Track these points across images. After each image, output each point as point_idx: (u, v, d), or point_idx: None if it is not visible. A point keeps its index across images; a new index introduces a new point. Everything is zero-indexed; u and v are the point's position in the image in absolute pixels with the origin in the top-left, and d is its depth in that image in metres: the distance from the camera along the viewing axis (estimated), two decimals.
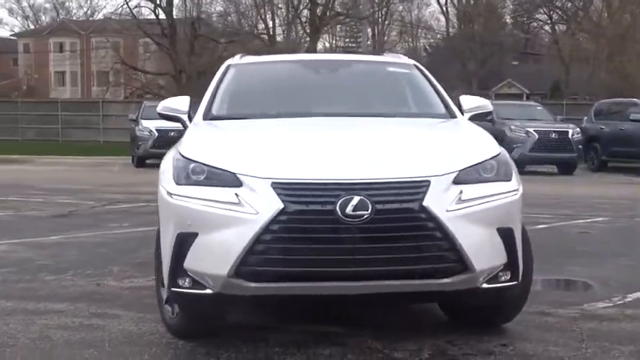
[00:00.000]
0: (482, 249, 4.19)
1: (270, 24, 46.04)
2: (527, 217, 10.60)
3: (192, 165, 4.31)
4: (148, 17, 38.22)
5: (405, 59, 6.31)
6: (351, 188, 4.03)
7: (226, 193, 4.12)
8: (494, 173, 4.42)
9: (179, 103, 5.52)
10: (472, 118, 5.65)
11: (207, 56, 36.98)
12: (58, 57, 58.29)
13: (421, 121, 5.25)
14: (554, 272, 6.86)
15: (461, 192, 4.20)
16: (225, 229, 4.05)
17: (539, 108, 22.77)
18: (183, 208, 4.21)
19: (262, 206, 4.01)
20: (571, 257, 7.58)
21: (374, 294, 4.19)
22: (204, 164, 4.28)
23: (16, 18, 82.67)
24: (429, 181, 4.13)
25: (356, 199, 3.98)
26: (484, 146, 4.59)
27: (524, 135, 19.76)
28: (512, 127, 19.90)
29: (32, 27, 67.50)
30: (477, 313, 4.83)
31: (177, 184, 4.29)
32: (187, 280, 4.24)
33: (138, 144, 21.59)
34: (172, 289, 4.30)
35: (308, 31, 40.85)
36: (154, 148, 20.66)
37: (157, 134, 20.84)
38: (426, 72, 5.90)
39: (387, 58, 6.48)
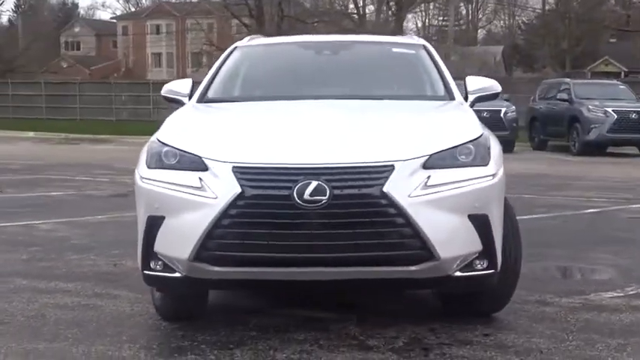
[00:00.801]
0: (448, 236, 4.07)
1: (361, 3, 45.83)
2: (578, 201, 10.42)
3: (165, 149, 4.34)
4: None
5: (414, 40, 6.17)
6: (310, 173, 3.97)
7: (191, 177, 4.13)
8: (471, 158, 4.28)
9: (181, 86, 5.55)
10: (479, 100, 5.50)
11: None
12: (154, 39, 59.70)
13: (411, 103, 5.13)
14: (576, 259, 6.66)
15: (429, 177, 4.09)
16: (188, 213, 4.07)
17: (621, 87, 21.89)
18: (151, 192, 4.25)
19: (221, 191, 4.01)
20: (603, 244, 7.31)
21: (344, 281, 4.15)
22: (176, 148, 4.31)
23: (118, 1, 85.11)
24: (392, 166, 4.04)
25: (314, 184, 3.93)
26: (463, 129, 4.44)
27: (602, 115, 19.23)
28: (589, 106, 19.38)
29: (133, 10, 69.30)
30: (465, 301, 4.72)
31: (149, 167, 4.34)
32: (159, 263, 4.28)
33: None
34: (144, 272, 4.35)
35: (393, 10, 40.46)
36: None
37: None
38: (434, 53, 5.76)
39: (394, 38, 6.35)
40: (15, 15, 74.37)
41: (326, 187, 3.93)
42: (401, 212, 3.96)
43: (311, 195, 3.92)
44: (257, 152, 4.14)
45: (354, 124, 4.57)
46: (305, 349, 4.28)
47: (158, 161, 4.32)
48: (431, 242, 3.99)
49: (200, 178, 4.10)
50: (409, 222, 3.97)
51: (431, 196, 4.05)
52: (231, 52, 5.88)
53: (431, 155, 4.16)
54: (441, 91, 5.33)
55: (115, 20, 69.17)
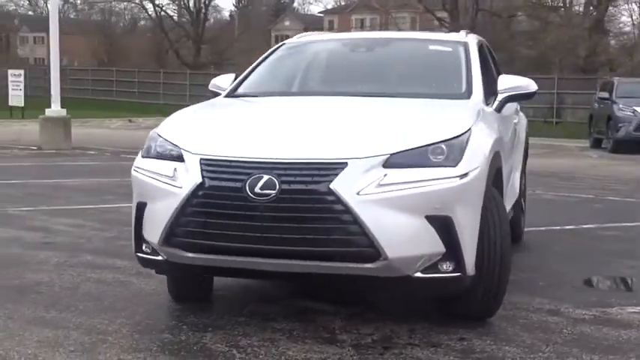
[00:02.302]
0: (398, 235, 4.06)
1: None
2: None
3: (159, 140, 4.64)
4: None
5: (458, 37, 6.04)
6: (263, 167, 4.12)
7: (168, 167, 4.41)
8: (442, 158, 4.23)
9: (223, 81, 5.84)
10: (511, 99, 5.38)
11: (490, 31, 36.48)
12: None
13: (416, 101, 5.07)
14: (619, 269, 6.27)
15: (385, 176, 4.10)
16: (161, 201, 4.36)
17: None
18: (139, 179, 4.58)
19: (186, 181, 4.26)
20: None
21: (304, 274, 4.27)
22: (166, 140, 4.60)
23: None
24: (345, 163, 4.09)
25: (265, 178, 4.07)
26: (440, 129, 4.38)
27: (630, 114, 19.41)
28: (620, 105, 19.75)
29: (343, 4, 70.88)
30: (454, 305, 4.67)
31: (142, 157, 4.67)
32: (148, 246, 4.60)
33: None
34: (137, 254, 4.68)
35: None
36: None
37: None
38: (472, 50, 5.66)
39: (438, 36, 6.27)
40: (236, 9, 78.57)
41: (276, 181, 4.06)
42: (347, 209, 4.01)
43: (261, 189, 4.06)
44: (221, 146, 4.35)
45: (328, 121, 4.66)
46: (274, 337, 4.43)
47: (149, 151, 4.63)
48: (377, 240, 4.01)
49: (175, 169, 4.37)
50: (356, 219, 4.01)
51: (382, 194, 4.06)
52: (275, 49, 6.11)
53: (392, 154, 4.16)
54: (462, 89, 5.24)
55: (322, 15, 71.20)
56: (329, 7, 71.02)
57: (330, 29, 64.71)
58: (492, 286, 4.52)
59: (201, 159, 4.28)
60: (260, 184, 4.07)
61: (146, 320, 4.76)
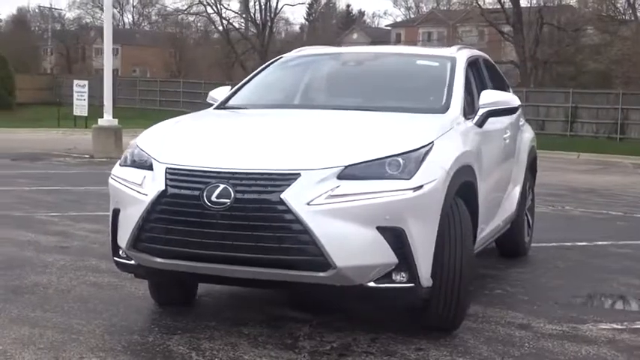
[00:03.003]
0: (347, 245, 4.16)
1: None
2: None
3: (136, 150, 4.84)
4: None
5: (447, 52, 6.08)
6: (220, 177, 4.28)
7: (139, 175, 4.60)
8: (398, 170, 4.32)
9: (218, 93, 6.04)
10: (492, 114, 5.42)
11: (555, 45, 36.08)
12: (425, 46, 60.53)
13: (387, 115, 5.15)
14: (612, 286, 6.21)
15: (337, 187, 4.20)
16: (129, 207, 4.55)
17: None
18: (114, 187, 4.79)
19: (152, 188, 4.44)
20: None
21: (263, 280, 4.41)
22: (142, 149, 4.80)
23: (399, 9, 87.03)
24: (298, 174, 4.21)
25: (220, 187, 4.23)
26: (397, 142, 4.46)
27: None
28: None
29: (412, 17, 70.91)
30: (416, 316, 4.74)
31: (120, 165, 4.87)
32: (124, 251, 4.80)
33: None
34: (114, 258, 4.89)
35: None
36: None
37: None
38: (458, 65, 5.71)
39: (429, 51, 6.33)
40: (307, 23, 79.30)
41: (231, 190, 4.21)
42: (297, 219, 4.13)
43: (217, 197, 4.22)
44: (185, 156, 4.52)
45: (290, 133, 4.80)
46: (237, 342, 4.58)
47: (126, 160, 4.84)
48: (326, 250, 4.12)
49: (145, 177, 4.56)
50: (306, 229, 4.12)
51: (332, 205, 4.16)
52: (271, 63, 6.28)
53: (346, 166, 4.27)
54: (440, 103, 5.30)
55: (389, 28, 71.26)
56: (398, 20, 71.13)
57: (397, 42, 64.76)
58: (452, 298, 4.58)
59: (166, 168, 4.47)
60: (216, 192, 4.23)
61: (122, 322, 4.96)
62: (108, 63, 17.65)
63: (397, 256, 4.27)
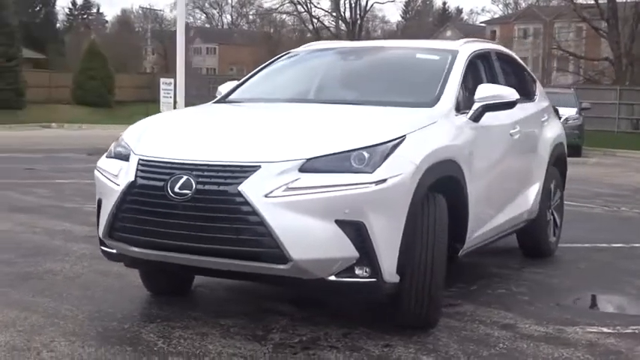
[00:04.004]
0: (304, 238, 4.14)
1: None
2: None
3: (121, 142, 4.96)
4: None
5: (451, 45, 5.96)
6: (184, 168, 4.34)
7: (117, 166, 4.72)
8: (362, 164, 4.28)
9: (225, 87, 6.12)
10: (488, 108, 5.31)
11: None
12: (521, 43, 59.22)
13: (370, 109, 5.08)
14: (624, 289, 5.96)
15: (297, 180, 4.20)
16: (107, 198, 4.67)
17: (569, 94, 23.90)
18: (97, 178, 4.92)
19: (123, 180, 4.55)
20: None
21: (225, 271, 4.46)
22: (125, 141, 4.91)
23: (497, 5, 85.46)
24: (258, 166, 4.22)
25: (183, 179, 4.29)
26: (364, 135, 4.41)
27: None
28: None
29: (509, 12, 69.51)
30: (391, 314, 4.70)
31: (105, 157, 5.00)
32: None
33: None
34: (100, 247, 5.02)
35: None
36: None
37: None
38: (459, 59, 5.59)
39: (432, 44, 6.21)
40: (403, 21, 78.98)
41: (192, 181, 4.26)
42: (254, 211, 4.14)
43: (180, 188, 4.28)
44: (155, 147, 4.60)
45: (257, 127, 4.84)
46: (209, 332, 4.64)
47: (110, 152, 4.96)
48: (282, 242, 4.12)
49: (121, 168, 4.67)
50: (262, 221, 4.14)
51: (289, 198, 4.16)
52: (277, 58, 6.32)
53: (308, 159, 4.26)
54: (430, 97, 5.20)
55: (483, 25, 70.11)
56: (496, 16, 69.87)
57: (492, 39, 63.59)
58: (424, 295, 4.51)
59: (139, 159, 4.57)
60: (179, 184, 4.29)
61: (109, 309, 5.09)
62: (180, 62, 18.03)
63: (358, 250, 4.23)
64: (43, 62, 49.48)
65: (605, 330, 4.87)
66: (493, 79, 6.07)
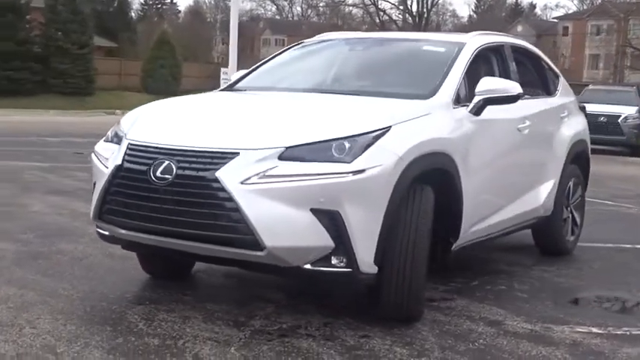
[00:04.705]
0: (278, 226, 4.16)
1: None
2: None
3: (118, 127, 5.06)
4: None
5: (460, 38, 5.87)
6: (166, 153, 4.40)
7: (110, 150, 4.81)
8: (343, 153, 4.28)
9: (235, 75, 6.20)
10: (489, 102, 5.24)
11: None
12: (594, 39, 57.96)
13: (361, 99, 5.07)
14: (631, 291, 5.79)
15: (274, 167, 4.22)
16: (98, 180, 4.77)
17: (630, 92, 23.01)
18: (92, 161, 5.02)
19: (112, 163, 4.64)
20: None
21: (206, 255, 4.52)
22: (120, 126, 5.00)
23: (572, 1, 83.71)
24: (237, 153, 4.25)
25: (165, 163, 4.35)
26: (346, 125, 4.40)
27: None
28: None
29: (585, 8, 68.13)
30: (374, 306, 4.68)
31: (103, 141, 5.10)
32: None
33: None
34: (97, 229, 5.13)
35: None
36: None
37: None
38: (464, 52, 5.52)
39: (440, 36, 6.13)
40: (475, 15, 78.05)
41: (173, 166, 4.32)
42: (230, 197, 4.18)
43: (161, 173, 4.35)
44: (144, 132, 4.67)
45: (245, 114, 4.88)
46: (192, 315, 4.70)
47: (108, 136, 5.06)
48: (256, 229, 4.14)
49: (113, 152, 4.76)
50: (238, 207, 4.17)
51: (265, 185, 4.18)
52: (289, 48, 6.34)
53: (287, 147, 4.27)
54: (427, 89, 5.14)
55: (556, 20, 68.78)
56: (570, 12, 68.47)
57: (564, 35, 62.57)
58: (404, 287, 4.48)
59: (128, 143, 4.65)
60: (161, 168, 4.35)
61: (104, 290, 5.20)
62: (233, 55, 18.22)
63: (334, 239, 4.23)
64: (115, 50, 50.49)
65: (594, 330, 4.76)
66: (505, 73, 5.98)
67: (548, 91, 6.86)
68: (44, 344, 4.13)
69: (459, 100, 5.20)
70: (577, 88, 27.79)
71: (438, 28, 59.19)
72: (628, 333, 4.76)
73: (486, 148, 5.36)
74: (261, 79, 5.94)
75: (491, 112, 5.32)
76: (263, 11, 74.19)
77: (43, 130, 19.61)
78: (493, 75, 5.83)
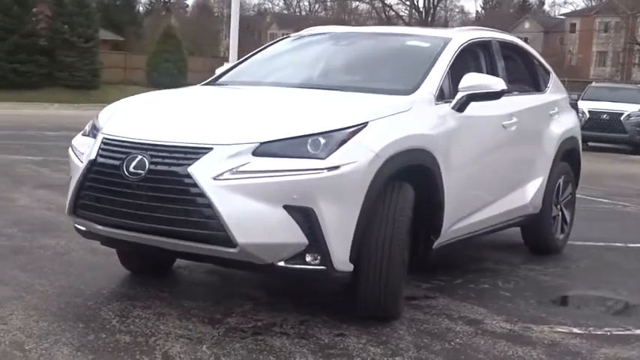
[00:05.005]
0: (250, 223, 4.10)
1: None
2: None
3: (95, 121, 5.00)
4: None
5: (446, 33, 5.79)
6: (139, 148, 4.34)
7: (86, 144, 4.76)
8: (317, 149, 4.21)
9: (219, 69, 6.13)
10: (473, 98, 5.16)
11: None
12: (601, 37, 57.65)
13: (340, 94, 4.98)
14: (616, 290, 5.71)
15: (247, 163, 4.15)
16: (73, 175, 4.72)
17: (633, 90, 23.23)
18: (69, 156, 4.97)
19: (86, 157, 4.59)
20: None
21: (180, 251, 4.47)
22: (97, 120, 4.95)
23: None
24: (210, 148, 4.19)
25: (138, 158, 4.30)
26: (322, 121, 4.33)
27: (579, 115, 20.48)
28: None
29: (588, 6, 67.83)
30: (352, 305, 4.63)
31: (81, 135, 5.05)
32: None
33: None
34: (75, 225, 5.08)
35: None
36: (583, 130, 20.13)
37: (587, 116, 20.20)
38: (449, 47, 5.45)
39: (425, 31, 6.04)
40: (483, 11, 77.80)
41: (146, 161, 4.26)
42: (202, 193, 4.12)
43: (134, 168, 4.29)
44: (118, 127, 4.62)
45: (222, 109, 4.81)
46: (166, 312, 4.64)
47: (85, 131, 5.00)
48: (227, 225, 4.08)
49: (88, 146, 4.71)
50: (210, 203, 4.11)
51: (238, 181, 4.12)
52: (274, 42, 6.28)
53: (262, 143, 4.21)
54: (409, 85, 5.06)
55: (563, 17, 68.46)
56: (578, 8, 68.20)
57: (572, 32, 62.27)
58: (380, 284, 4.42)
59: (103, 137, 4.60)
60: (133, 163, 4.30)
61: (81, 286, 5.15)
62: (233, 46, 18.18)
63: (307, 237, 4.17)
64: (121, 44, 50.50)
65: (574, 330, 4.70)
66: (493, 69, 5.91)
67: (538, 87, 6.78)
68: (13, 341, 4.08)
69: (442, 96, 5.13)
70: (584, 85, 27.68)
71: (445, 24, 58.93)
72: (608, 333, 4.69)
73: (470, 144, 5.29)
74: (244, 73, 5.88)
75: (475, 108, 5.25)
76: (270, 5, 74.11)
77: (44, 124, 19.64)
78: (480, 71, 5.76)
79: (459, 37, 5.68)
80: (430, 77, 5.14)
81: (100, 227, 4.61)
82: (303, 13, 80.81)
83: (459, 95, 5.14)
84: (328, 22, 64.82)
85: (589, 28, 56.68)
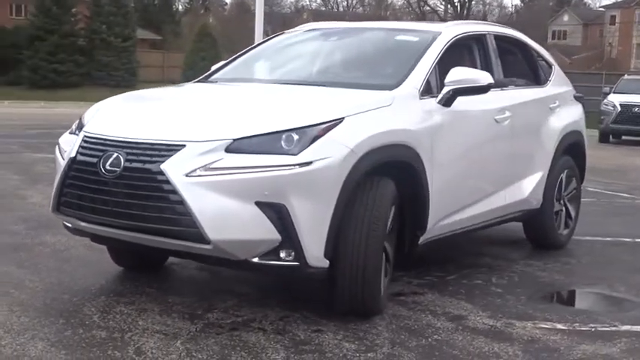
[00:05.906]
0: (221, 219, 4.11)
1: None
2: None
3: (82, 119, 5.06)
4: None
5: (436, 27, 5.73)
6: (116, 145, 4.38)
7: (70, 142, 4.82)
8: (291, 146, 4.21)
9: (214, 67, 6.16)
10: (459, 92, 5.11)
11: None
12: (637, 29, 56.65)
13: (311, 89, 4.99)
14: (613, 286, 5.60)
15: (219, 160, 4.17)
16: (57, 172, 4.78)
17: None
18: (55, 153, 5.03)
19: (67, 155, 4.64)
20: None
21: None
22: (82, 118, 5.01)
23: None
24: (183, 145, 4.22)
25: (114, 156, 4.34)
26: (296, 117, 4.33)
27: (611, 108, 20.69)
28: (605, 100, 21.38)
29: None
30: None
31: (68, 133, 5.11)
32: None
33: (600, 118, 20.85)
34: (63, 222, 5.14)
35: None
36: (614, 123, 19.83)
37: (619, 109, 19.90)
38: (437, 42, 5.39)
39: (417, 25, 5.99)
40: (522, 4, 76.89)
41: (122, 159, 4.30)
42: (174, 189, 4.14)
43: (110, 165, 4.33)
44: (98, 124, 4.67)
45: (199, 106, 4.85)
46: (148, 307, 4.70)
47: (72, 129, 5.06)
48: (199, 222, 4.10)
49: (73, 143, 4.76)
50: (182, 200, 4.13)
51: (209, 178, 4.13)
52: (269, 38, 6.28)
53: (235, 140, 4.22)
54: (393, 80, 5.02)
55: (603, 9, 67.38)
56: (618, 0, 66.96)
57: (611, 24, 61.23)
58: (358, 280, 4.40)
59: (84, 135, 4.65)
60: (110, 160, 4.34)
61: (70, 282, 5.22)
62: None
63: (280, 233, 4.17)
64: (159, 43, 51.01)
65: (558, 326, 4.63)
66: (486, 63, 5.85)
67: (538, 80, 6.69)
68: None
69: (429, 91, 5.09)
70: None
71: (484, 18, 58.38)
72: (593, 329, 4.61)
73: (457, 139, 5.24)
74: (235, 70, 5.90)
75: (464, 102, 5.20)
76: (308, 2, 74.13)
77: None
78: (474, 65, 5.71)
79: (449, 31, 5.62)
80: (415, 72, 5.10)
81: (83, 224, 4.66)
82: (341, 9, 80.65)
83: (445, 90, 5.09)
84: (366, 19, 64.73)
85: (629, 20, 55.67)
